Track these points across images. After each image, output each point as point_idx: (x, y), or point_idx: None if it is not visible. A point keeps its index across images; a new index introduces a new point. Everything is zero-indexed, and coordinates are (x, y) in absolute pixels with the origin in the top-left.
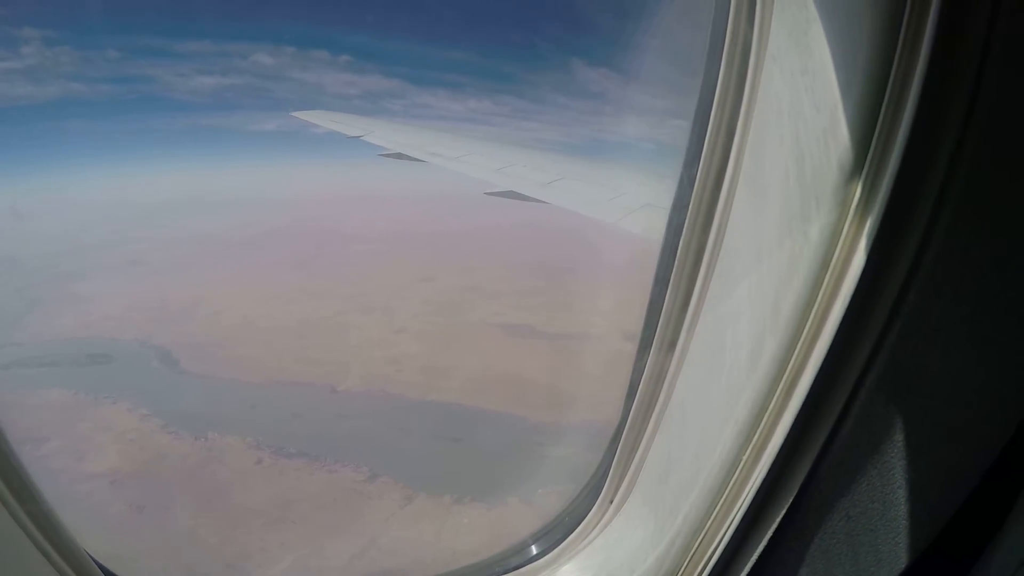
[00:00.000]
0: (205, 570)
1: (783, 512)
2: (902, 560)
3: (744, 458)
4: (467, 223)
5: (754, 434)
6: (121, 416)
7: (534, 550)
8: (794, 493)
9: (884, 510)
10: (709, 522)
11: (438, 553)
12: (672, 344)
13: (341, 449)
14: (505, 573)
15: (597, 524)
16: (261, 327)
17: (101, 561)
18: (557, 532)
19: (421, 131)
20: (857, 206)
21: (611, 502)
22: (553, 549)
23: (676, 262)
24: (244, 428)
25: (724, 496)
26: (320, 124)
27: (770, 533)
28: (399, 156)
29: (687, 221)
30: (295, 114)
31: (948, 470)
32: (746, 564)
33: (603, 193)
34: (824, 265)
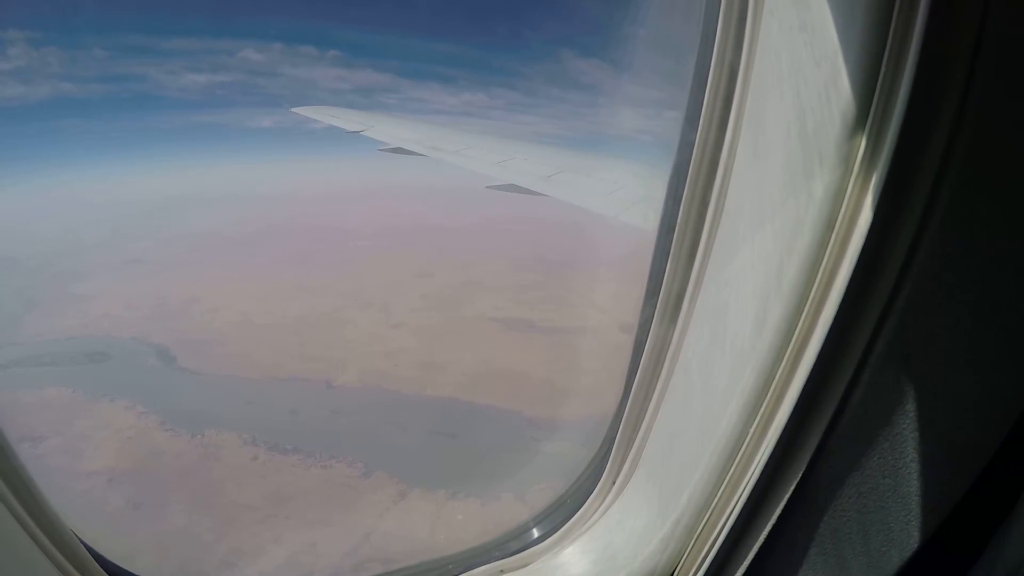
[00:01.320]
0: (199, 566)
1: (792, 489)
2: (914, 539)
3: (751, 432)
4: (467, 217)
5: (760, 406)
6: (119, 414)
7: (535, 533)
8: (803, 468)
9: (895, 485)
10: (715, 501)
11: (430, 550)
12: (674, 316)
13: (336, 444)
14: (506, 557)
15: (600, 506)
16: (259, 324)
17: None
18: (559, 515)
19: (421, 125)
20: (862, 161)
21: (613, 483)
22: (555, 532)
23: (676, 229)
24: (240, 424)
25: (730, 473)
26: (320, 119)
27: (778, 511)
28: (399, 151)
29: (687, 185)
30: (294, 110)
31: (961, 443)
32: (753, 545)
33: (603, 186)
34: (830, 224)
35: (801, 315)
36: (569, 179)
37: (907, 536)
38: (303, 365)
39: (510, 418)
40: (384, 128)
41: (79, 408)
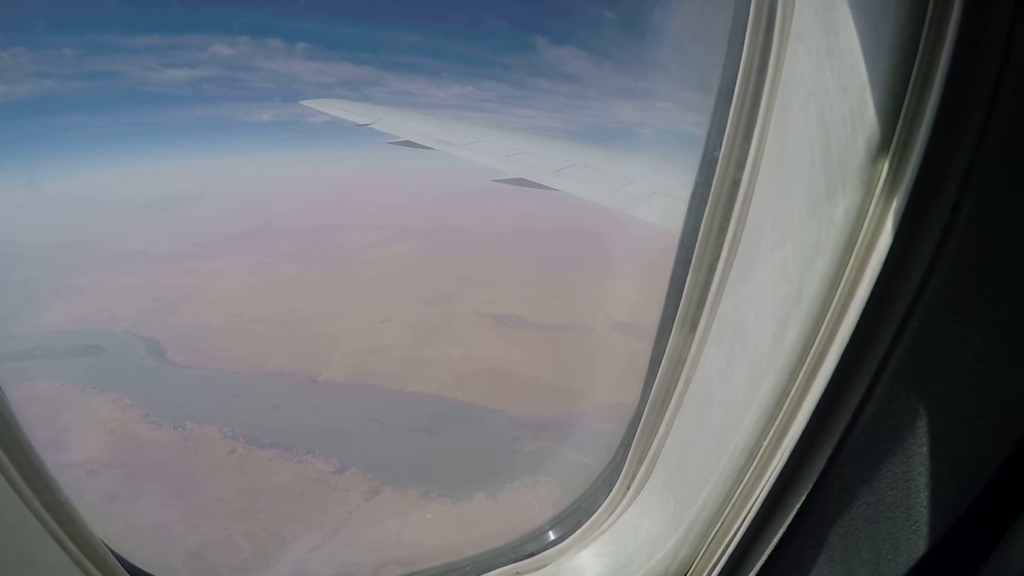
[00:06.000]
0: (168, 559)
1: (803, 499)
2: (919, 549)
3: (765, 444)
4: (473, 211)
5: (775, 419)
6: (104, 407)
7: (551, 536)
8: (814, 480)
9: (903, 497)
10: (728, 508)
11: (399, 547)
12: (693, 326)
13: (315, 440)
14: (522, 559)
15: (615, 510)
16: (251, 318)
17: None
18: (574, 518)
19: (430, 119)
20: (883, 188)
21: (628, 488)
22: (570, 535)
23: (698, 243)
24: (223, 418)
25: (744, 482)
26: (328, 112)
27: (789, 520)
28: (407, 144)
29: (709, 202)
30: (304, 102)
31: (967, 459)
32: (764, 551)
33: (611, 180)
34: (849, 247)
35: (818, 334)
36: (578, 173)
37: (913, 546)
38: (289, 360)
39: (492, 416)
40: (392, 121)
41: (67, 401)
